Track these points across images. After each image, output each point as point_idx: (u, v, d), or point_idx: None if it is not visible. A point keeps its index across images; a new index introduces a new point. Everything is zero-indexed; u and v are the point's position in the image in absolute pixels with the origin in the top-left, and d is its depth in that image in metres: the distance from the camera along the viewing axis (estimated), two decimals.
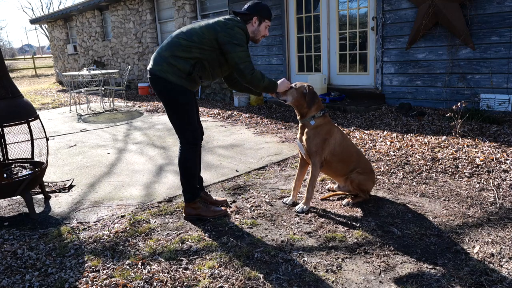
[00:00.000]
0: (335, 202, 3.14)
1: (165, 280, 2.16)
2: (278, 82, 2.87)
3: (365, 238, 2.52)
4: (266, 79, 2.76)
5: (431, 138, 4.61)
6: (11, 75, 16.95)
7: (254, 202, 3.17)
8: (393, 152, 4.25)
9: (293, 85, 2.93)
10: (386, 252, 2.35)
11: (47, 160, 3.37)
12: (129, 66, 10.13)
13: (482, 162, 3.71)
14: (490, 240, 2.42)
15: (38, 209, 3.27)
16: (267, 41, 8.08)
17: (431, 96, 5.91)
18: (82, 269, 2.31)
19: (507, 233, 2.49)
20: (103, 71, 8.71)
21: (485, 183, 3.32)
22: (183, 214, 2.96)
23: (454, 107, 4.61)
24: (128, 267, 2.31)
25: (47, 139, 3.42)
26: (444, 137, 4.57)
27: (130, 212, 3.10)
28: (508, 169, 3.51)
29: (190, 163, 2.83)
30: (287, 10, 7.62)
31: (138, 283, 2.14)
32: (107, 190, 3.66)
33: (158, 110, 8.25)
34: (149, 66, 2.73)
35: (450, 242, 2.43)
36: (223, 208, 3.02)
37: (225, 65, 2.81)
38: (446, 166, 3.73)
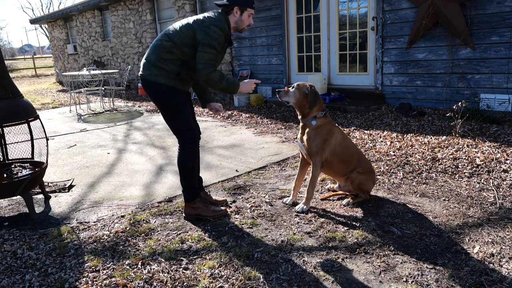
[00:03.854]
0: (335, 202, 3.14)
1: (165, 280, 2.16)
2: (241, 83, 2.81)
3: (365, 238, 2.52)
4: (224, 81, 2.68)
5: (431, 138, 4.61)
6: (11, 75, 16.94)
7: (254, 202, 3.17)
8: (393, 152, 4.25)
9: (294, 85, 2.93)
10: (386, 252, 2.35)
11: (47, 160, 3.37)
12: (129, 66, 10.13)
13: (482, 162, 3.71)
14: (490, 240, 2.42)
15: (38, 209, 3.27)
16: (267, 41, 8.08)
17: (431, 96, 5.91)
18: (82, 269, 2.31)
19: (507, 233, 2.49)
20: (103, 71, 8.71)
21: (485, 183, 3.32)
22: (183, 214, 2.96)
23: (454, 107, 4.62)
24: (128, 267, 2.31)
25: (47, 139, 3.42)
26: (444, 137, 4.57)
27: (130, 212, 3.10)
28: (508, 169, 3.51)
29: (189, 163, 2.83)
30: (287, 10, 7.62)
31: (138, 283, 2.14)
32: (107, 190, 3.66)
33: (158, 110, 8.24)
34: (140, 72, 2.79)
35: (450, 242, 2.43)
36: (223, 208, 3.02)
37: None
38: (446, 166, 3.73)
